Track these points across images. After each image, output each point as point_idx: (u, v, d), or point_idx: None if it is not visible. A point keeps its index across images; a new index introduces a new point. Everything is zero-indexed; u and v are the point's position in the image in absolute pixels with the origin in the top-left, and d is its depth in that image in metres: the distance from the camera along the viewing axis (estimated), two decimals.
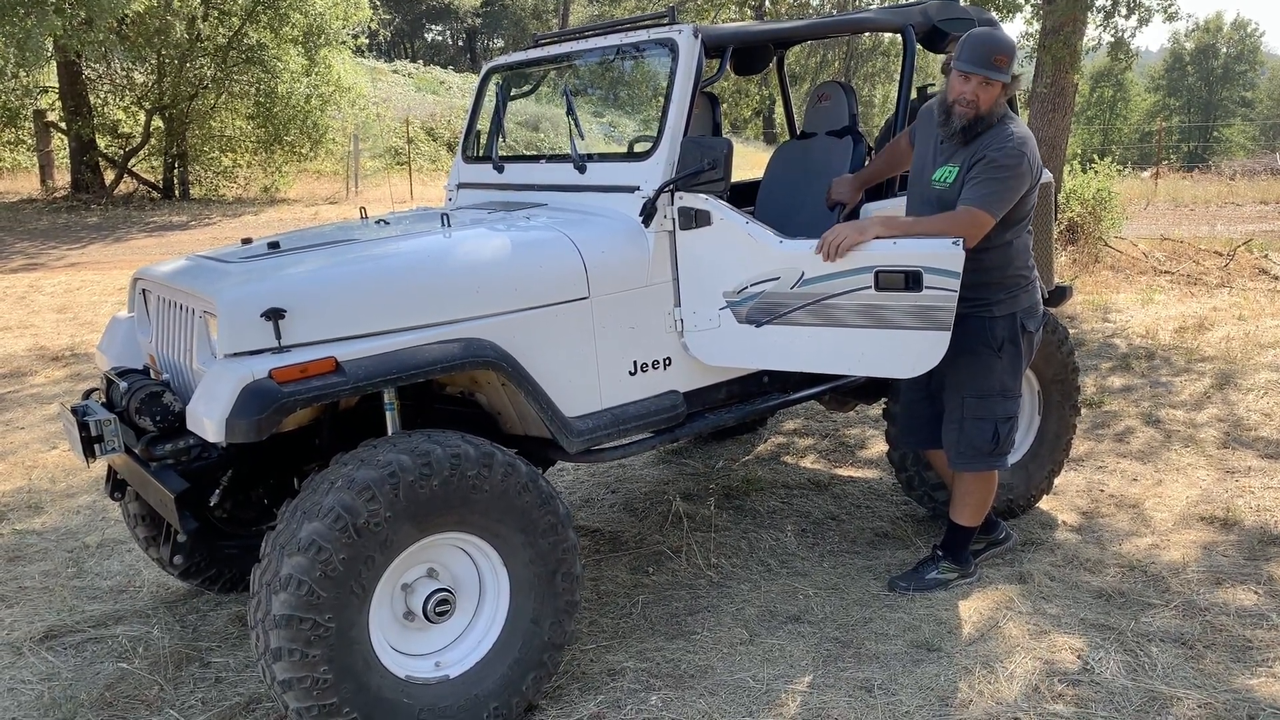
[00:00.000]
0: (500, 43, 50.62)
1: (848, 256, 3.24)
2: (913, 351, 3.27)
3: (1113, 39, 10.15)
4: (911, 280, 3.18)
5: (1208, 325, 7.66)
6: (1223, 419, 5.63)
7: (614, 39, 3.71)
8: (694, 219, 3.36)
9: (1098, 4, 9.84)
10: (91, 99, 19.14)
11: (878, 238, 3.25)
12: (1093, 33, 10.03)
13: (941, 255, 3.15)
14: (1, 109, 19.71)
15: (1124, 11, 9.90)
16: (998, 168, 3.33)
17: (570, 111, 3.71)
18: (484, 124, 4.29)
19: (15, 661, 3.47)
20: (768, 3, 14.05)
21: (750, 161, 19.72)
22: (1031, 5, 10.18)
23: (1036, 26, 10.67)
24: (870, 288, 3.24)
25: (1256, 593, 3.70)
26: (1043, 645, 3.37)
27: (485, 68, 4.34)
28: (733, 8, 13.49)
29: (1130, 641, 3.37)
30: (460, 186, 4.27)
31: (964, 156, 3.44)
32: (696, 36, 3.43)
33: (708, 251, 3.39)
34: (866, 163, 4.20)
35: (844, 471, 5.11)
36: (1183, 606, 3.61)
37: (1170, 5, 10.08)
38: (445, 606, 2.86)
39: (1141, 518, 4.41)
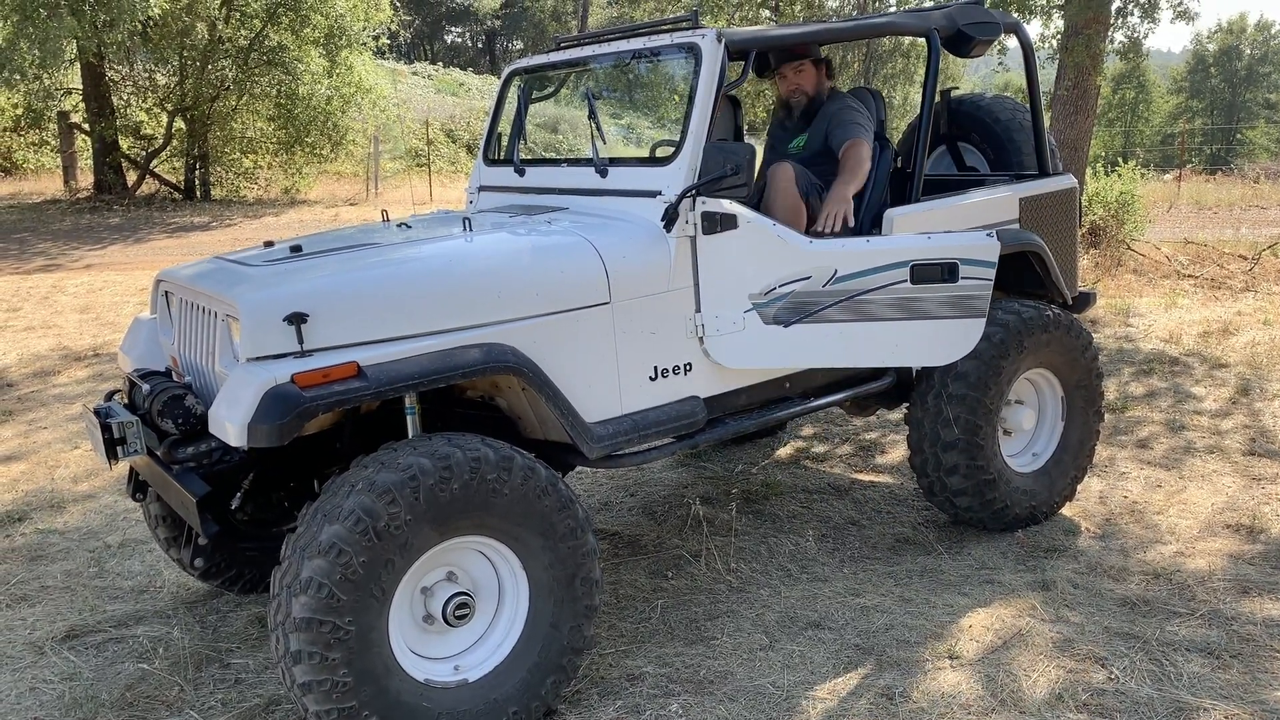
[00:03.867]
0: (519, 45, 50.74)
1: (883, 251, 3.46)
2: (947, 340, 3.46)
3: (1126, 39, 10.06)
4: (948, 272, 3.38)
5: (1232, 330, 7.58)
6: (1248, 425, 5.57)
7: (636, 43, 3.70)
8: (718, 223, 3.34)
9: (1114, 4, 9.75)
10: (115, 101, 19.27)
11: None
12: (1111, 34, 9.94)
13: (978, 247, 3.33)
14: (26, 111, 19.90)
15: (1137, 13, 9.81)
16: (843, 109, 4.01)
17: (592, 115, 3.70)
18: (505, 126, 4.29)
19: (37, 661, 3.49)
20: (782, 4, 13.99)
21: None
22: (1053, 6, 10.10)
23: (1053, 29, 10.59)
24: (906, 281, 3.42)
25: None
26: (1066, 653, 3.34)
27: (507, 70, 4.33)
28: (749, 9, 13.45)
29: (1155, 650, 3.34)
30: (481, 189, 4.27)
31: (812, 128, 4.06)
32: (720, 41, 3.41)
33: (733, 254, 3.38)
34: (892, 168, 4.23)
35: (864, 476, 5.08)
36: (1209, 615, 3.57)
37: (1180, 4, 9.95)
38: (464, 610, 2.86)
39: (1165, 525, 4.36)
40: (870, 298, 3.44)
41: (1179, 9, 9.98)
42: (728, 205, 3.35)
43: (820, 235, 3.67)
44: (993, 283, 3.35)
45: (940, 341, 3.47)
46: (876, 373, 4.02)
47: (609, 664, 3.36)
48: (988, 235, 3.32)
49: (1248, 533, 4.25)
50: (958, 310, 3.41)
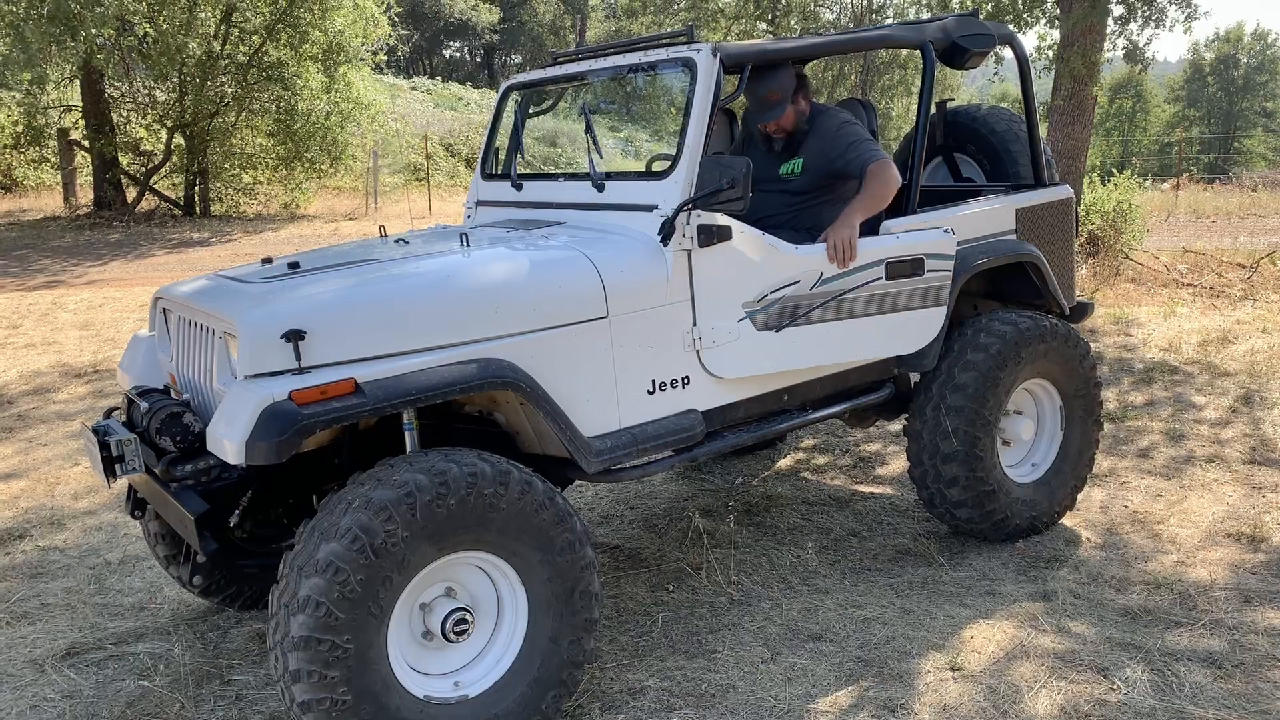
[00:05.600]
0: (517, 59, 50.87)
1: (863, 252, 3.67)
2: (913, 329, 3.87)
3: (1127, 46, 10.05)
4: (915, 267, 3.77)
5: (1231, 339, 7.58)
6: (1248, 434, 5.56)
7: (633, 57, 3.71)
8: (714, 235, 3.36)
9: (1115, 13, 9.74)
10: (114, 117, 19.33)
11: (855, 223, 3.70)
12: (1109, 41, 9.92)
13: (938, 243, 3.84)
14: (26, 128, 19.94)
15: (1140, 21, 9.80)
16: (843, 127, 3.92)
17: (589, 130, 3.72)
18: (503, 141, 4.30)
19: (38, 679, 3.48)
20: (779, 17, 14.04)
21: None
22: (1049, 16, 10.11)
23: (1049, 40, 10.59)
24: (882, 278, 3.74)
25: None
26: (1068, 664, 3.33)
27: (504, 85, 4.35)
28: (746, 23, 13.49)
29: (1157, 660, 3.33)
30: (479, 204, 4.28)
31: (805, 152, 3.97)
32: (715, 55, 3.42)
33: (727, 265, 3.41)
34: None
35: (864, 488, 5.08)
36: (1211, 625, 3.56)
37: (1188, 6, 9.90)
38: (463, 626, 2.85)
39: (1166, 535, 4.36)
40: (852, 296, 3.69)
41: (1188, 13, 9.89)
42: (722, 218, 3.36)
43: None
44: (952, 274, 3.85)
45: (909, 330, 3.85)
46: (875, 384, 4.03)
47: (610, 678, 3.36)
48: (945, 232, 3.82)
49: (1249, 542, 4.24)
50: (924, 301, 3.82)
